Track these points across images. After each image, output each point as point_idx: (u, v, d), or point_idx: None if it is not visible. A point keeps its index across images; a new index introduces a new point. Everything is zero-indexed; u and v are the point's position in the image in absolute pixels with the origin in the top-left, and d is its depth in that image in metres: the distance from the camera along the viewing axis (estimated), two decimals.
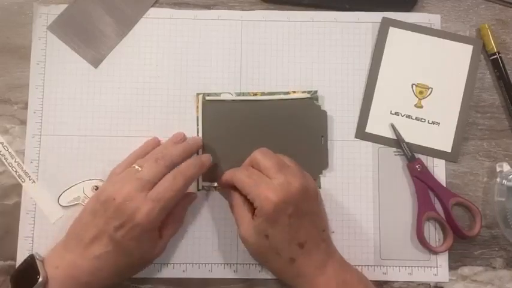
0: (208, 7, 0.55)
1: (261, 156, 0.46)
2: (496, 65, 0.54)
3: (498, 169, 0.52)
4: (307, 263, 0.44)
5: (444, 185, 0.52)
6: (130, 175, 0.44)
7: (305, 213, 0.44)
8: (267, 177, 0.44)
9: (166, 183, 0.44)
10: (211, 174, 0.52)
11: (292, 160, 0.47)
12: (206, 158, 0.48)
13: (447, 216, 0.51)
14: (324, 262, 0.44)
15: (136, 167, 0.45)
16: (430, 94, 0.53)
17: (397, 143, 0.52)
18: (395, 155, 0.53)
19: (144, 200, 0.42)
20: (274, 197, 0.42)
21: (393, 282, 0.51)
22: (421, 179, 0.51)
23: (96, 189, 0.51)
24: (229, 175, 0.47)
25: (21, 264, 0.45)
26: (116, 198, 0.43)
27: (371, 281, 0.50)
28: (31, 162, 0.52)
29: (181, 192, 0.44)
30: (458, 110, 0.53)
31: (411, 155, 0.52)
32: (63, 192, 0.51)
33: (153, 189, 0.43)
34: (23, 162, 0.52)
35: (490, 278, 0.51)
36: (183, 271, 0.51)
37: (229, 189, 0.48)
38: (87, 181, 0.52)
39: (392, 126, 0.52)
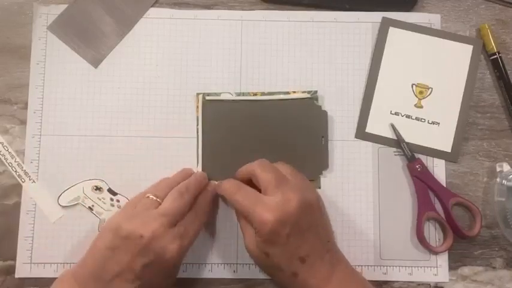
0: (208, 7, 0.55)
1: (259, 170, 0.45)
2: (496, 65, 0.54)
3: (498, 169, 0.52)
4: (311, 276, 0.43)
5: (444, 185, 0.52)
6: (150, 209, 0.44)
7: (306, 228, 0.43)
8: (264, 195, 0.44)
9: (190, 219, 0.44)
10: (211, 173, 0.52)
11: (292, 169, 0.47)
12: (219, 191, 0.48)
13: (447, 216, 0.51)
14: (328, 273, 0.43)
15: (151, 196, 0.45)
16: (430, 94, 0.53)
17: (397, 143, 0.52)
18: (395, 155, 0.53)
19: (173, 238, 0.42)
20: (270, 218, 0.41)
21: (393, 282, 0.51)
22: (421, 179, 0.51)
23: (96, 189, 0.51)
24: (226, 192, 0.46)
25: None
26: (144, 235, 0.41)
27: (371, 281, 0.50)
28: (31, 162, 0.52)
29: (203, 225, 0.46)
30: (458, 110, 0.53)
31: (411, 155, 0.52)
32: (63, 192, 0.51)
33: (179, 224, 0.43)
34: (23, 162, 0.52)
35: (490, 278, 0.51)
36: (183, 271, 0.51)
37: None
38: (87, 181, 0.52)
39: (392, 126, 0.52)
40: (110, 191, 0.52)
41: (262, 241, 0.42)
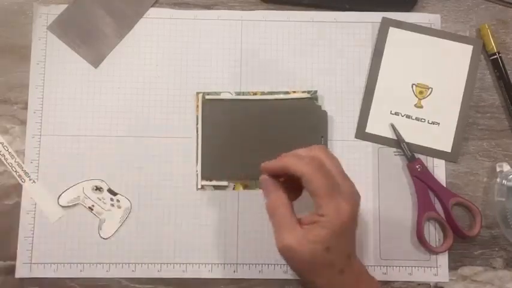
0: (208, 7, 0.55)
1: (325, 156, 0.41)
2: (496, 65, 0.54)
3: (498, 169, 0.52)
4: (352, 273, 0.41)
5: (444, 185, 0.52)
6: None
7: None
8: (337, 183, 0.40)
9: None
10: (211, 173, 0.52)
11: (332, 156, 0.43)
12: None
13: (447, 216, 0.51)
14: (360, 271, 0.42)
15: None
16: (430, 94, 0.53)
17: (397, 143, 0.52)
18: (395, 155, 0.53)
19: None
20: (349, 209, 0.39)
21: (393, 282, 0.51)
22: (421, 179, 0.51)
23: (96, 189, 0.51)
24: (289, 162, 0.41)
25: None
26: None
27: None
28: (31, 162, 0.52)
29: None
30: (458, 110, 0.53)
31: (411, 155, 0.52)
32: (63, 192, 0.51)
33: None
34: (23, 162, 0.52)
35: (490, 278, 0.51)
36: (183, 271, 0.51)
37: (271, 186, 0.43)
38: (87, 181, 0.52)
39: (392, 126, 0.52)
40: (110, 191, 0.52)
41: (331, 233, 0.39)
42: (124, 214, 0.51)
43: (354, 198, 0.41)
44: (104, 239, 0.51)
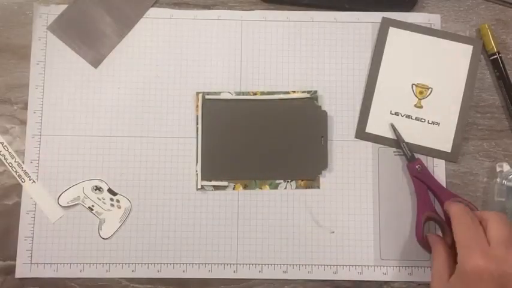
0: (208, 7, 0.55)
1: (496, 224, 0.42)
2: (496, 65, 0.54)
3: (498, 169, 0.52)
4: None
5: (444, 185, 0.52)
6: None
7: None
8: (487, 242, 0.41)
9: None
10: (211, 173, 0.52)
11: None
12: None
13: (446, 216, 0.50)
14: None
15: None
16: (430, 94, 0.53)
17: (397, 143, 0.52)
18: (395, 155, 0.53)
19: None
20: (482, 264, 0.39)
21: (393, 282, 0.51)
22: (421, 179, 0.51)
23: (96, 189, 0.51)
24: (454, 209, 0.45)
25: None
26: None
27: (371, 281, 0.50)
28: (31, 162, 0.52)
29: None
30: (458, 110, 0.53)
31: (411, 155, 0.51)
32: (63, 192, 0.51)
33: None
34: (23, 162, 0.52)
35: None
36: (183, 271, 0.51)
37: (435, 239, 0.48)
38: (87, 181, 0.52)
39: (392, 126, 0.52)
40: (110, 191, 0.52)
41: (460, 280, 0.41)
42: (124, 214, 0.51)
43: (501, 268, 0.40)
44: (104, 239, 0.51)
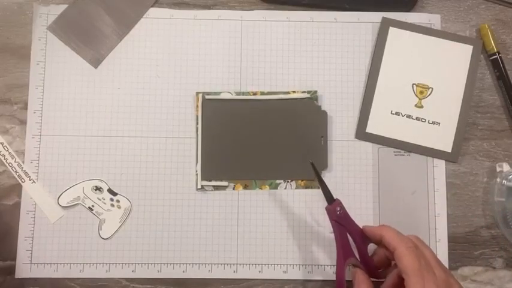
0: (208, 7, 0.55)
1: (404, 250, 0.41)
2: (496, 65, 0.54)
3: (498, 169, 0.52)
4: None
5: (444, 184, 0.52)
6: None
7: None
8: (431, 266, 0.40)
9: None
10: (211, 173, 0.52)
11: (437, 258, 0.43)
12: None
13: (365, 261, 0.46)
14: None
15: None
16: (430, 94, 0.53)
17: (398, 143, 0.52)
18: (395, 155, 0.53)
19: None
20: None
21: None
22: (341, 223, 0.46)
23: (96, 190, 0.51)
24: (387, 233, 0.43)
25: None
26: None
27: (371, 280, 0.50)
28: (31, 162, 0.52)
29: None
30: (459, 110, 0.53)
31: (330, 197, 0.47)
32: (63, 192, 0.51)
33: None
34: (23, 163, 0.52)
35: (490, 278, 0.51)
36: (183, 271, 0.51)
37: (361, 277, 0.44)
38: (87, 181, 0.52)
39: (312, 164, 0.48)
40: (110, 191, 0.52)
41: None
42: (124, 214, 0.51)
43: (447, 286, 0.40)
44: (104, 239, 0.51)
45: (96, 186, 0.52)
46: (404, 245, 0.41)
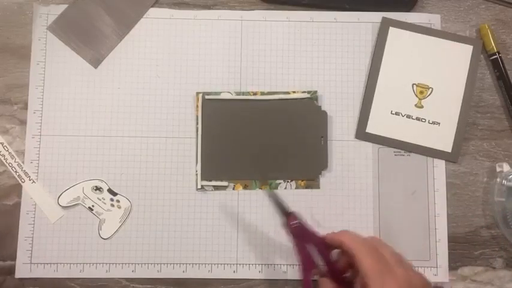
0: (208, 7, 0.55)
1: (364, 252, 0.41)
2: (496, 65, 0.54)
3: (498, 169, 0.52)
4: None
5: (444, 185, 0.52)
6: None
7: None
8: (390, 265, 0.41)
9: None
10: (211, 173, 0.52)
11: (399, 256, 0.43)
12: None
13: (330, 267, 0.45)
14: None
15: None
16: (430, 94, 0.53)
17: (398, 143, 0.52)
18: (395, 155, 0.53)
19: None
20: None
21: None
22: (299, 235, 0.45)
23: (96, 190, 0.51)
24: (346, 239, 0.42)
25: None
26: None
27: None
28: (31, 162, 0.52)
29: None
30: (459, 110, 0.53)
31: (285, 211, 0.46)
32: (63, 192, 0.51)
33: None
34: (23, 163, 0.52)
35: (490, 278, 0.51)
36: (183, 271, 0.51)
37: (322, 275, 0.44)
38: (87, 181, 0.52)
39: (264, 180, 0.48)
40: (110, 191, 0.52)
41: None
42: (124, 214, 0.51)
43: (409, 285, 0.40)
44: (104, 239, 0.51)
45: (96, 186, 0.52)
46: (363, 249, 0.41)
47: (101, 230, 0.51)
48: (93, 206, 0.51)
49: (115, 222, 0.51)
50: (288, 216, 0.45)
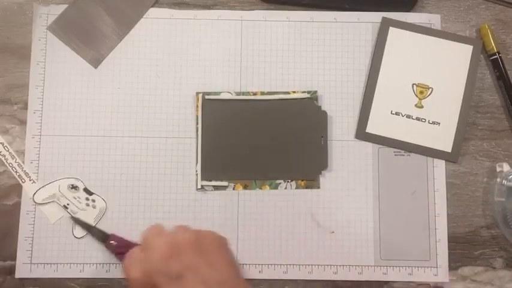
0: (208, 7, 0.55)
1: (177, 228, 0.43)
2: (496, 65, 0.54)
3: (498, 169, 0.52)
4: None
5: (444, 185, 0.52)
6: None
7: (182, 271, 0.39)
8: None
9: None
10: (211, 173, 0.52)
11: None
12: None
13: None
14: None
15: None
16: (430, 94, 0.53)
17: (398, 143, 0.52)
18: (395, 155, 0.53)
19: None
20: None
21: (393, 282, 0.51)
22: (123, 251, 0.44)
23: (71, 188, 0.51)
24: (142, 233, 0.43)
25: None
26: None
27: (371, 281, 0.50)
28: (31, 162, 0.52)
29: None
30: (459, 110, 0.53)
31: (104, 235, 0.49)
32: (39, 189, 0.51)
33: None
34: (23, 163, 0.52)
35: (490, 278, 0.51)
36: None
37: None
38: (64, 179, 0.51)
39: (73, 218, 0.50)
40: (86, 190, 0.51)
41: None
42: (99, 214, 0.51)
43: (174, 240, 0.41)
44: (77, 238, 0.51)
45: (72, 185, 0.51)
46: (148, 228, 0.43)
47: (74, 229, 0.51)
48: (68, 204, 0.51)
49: (89, 222, 0.51)
50: (106, 240, 0.48)
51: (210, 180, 0.52)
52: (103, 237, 0.49)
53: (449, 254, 0.51)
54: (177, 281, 0.38)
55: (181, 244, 0.40)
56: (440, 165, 0.53)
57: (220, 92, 0.53)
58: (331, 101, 0.54)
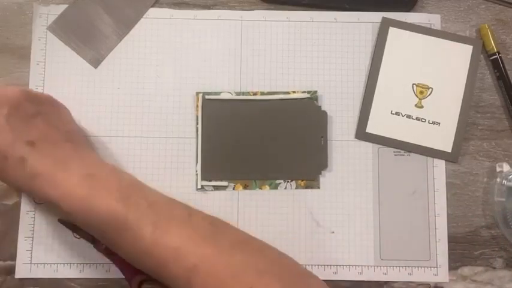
0: (208, 7, 0.55)
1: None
2: (496, 65, 0.54)
3: (498, 169, 0.52)
4: (42, 161, 0.41)
5: (444, 185, 0.52)
6: None
7: (32, 115, 0.44)
8: None
9: None
10: (211, 173, 0.52)
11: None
12: None
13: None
14: (64, 159, 0.42)
15: None
16: (430, 94, 0.53)
17: (398, 143, 0.52)
18: (395, 155, 0.53)
19: None
20: None
21: (393, 282, 0.51)
22: (111, 252, 0.46)
23: None
24: None
25: None
26: None
27: (371, 281, 0.50)
28: None
29: None
30: (459, 110, 0.53)
31: (92, 239, 0.49)
32: None
33: None
34: None
35: (490, 278, 0.51)
36: None
37: None
38: None
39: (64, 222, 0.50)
40: None
41: None
42: None
43: None
44: (77, 238, 0.51)
45: None
46: None
47: None
48: None
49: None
50: (95, 243, 0.49)
51: (210, 180, 0.52)
52: (92, 238, 0.49)
53: (449, 254, 0.51)
54: (31, 121, 0.43)
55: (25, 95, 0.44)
56: (440, 165, 0.53)
57: (220, 92, 0.53)
58: (331, 101, 0.54)
